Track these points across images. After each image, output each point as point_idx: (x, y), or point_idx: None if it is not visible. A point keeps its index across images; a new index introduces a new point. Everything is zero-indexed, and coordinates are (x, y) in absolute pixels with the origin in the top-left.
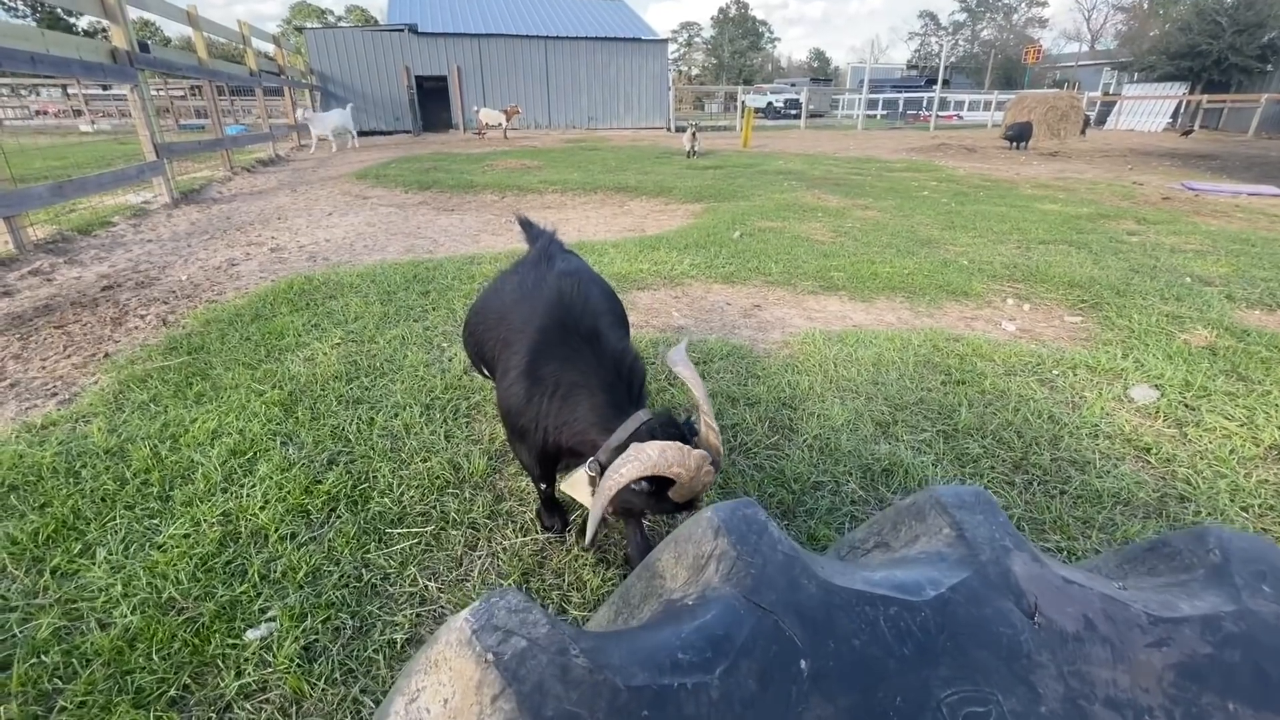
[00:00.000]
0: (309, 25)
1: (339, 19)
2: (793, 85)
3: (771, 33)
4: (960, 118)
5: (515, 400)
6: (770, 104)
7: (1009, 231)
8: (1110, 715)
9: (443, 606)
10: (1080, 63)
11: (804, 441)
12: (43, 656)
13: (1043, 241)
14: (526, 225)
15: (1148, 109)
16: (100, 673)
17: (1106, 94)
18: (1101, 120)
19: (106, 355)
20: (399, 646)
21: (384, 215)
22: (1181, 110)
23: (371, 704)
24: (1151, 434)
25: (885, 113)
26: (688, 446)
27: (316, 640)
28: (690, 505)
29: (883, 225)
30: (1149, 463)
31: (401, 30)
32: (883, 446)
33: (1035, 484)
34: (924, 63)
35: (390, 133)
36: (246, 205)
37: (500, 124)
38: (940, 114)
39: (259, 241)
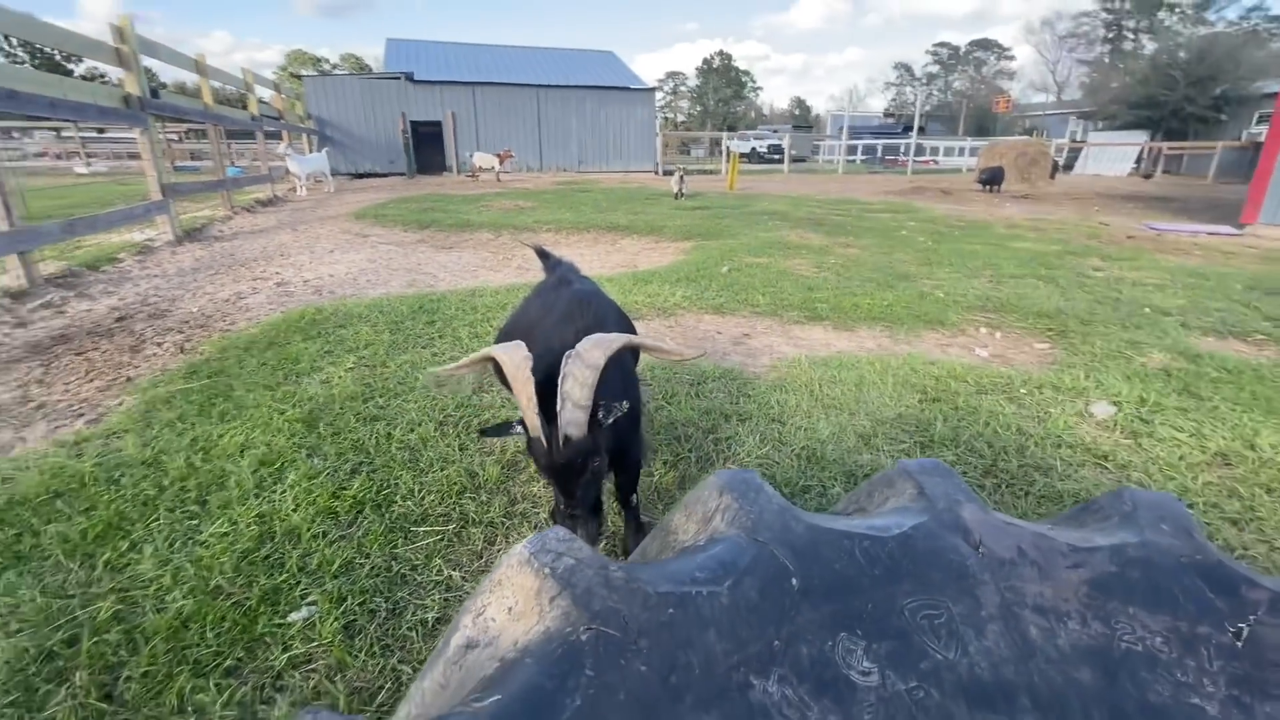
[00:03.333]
0: (306, 73)
1: (334, 67)
2: (775, 131)
3: (754, 82)
4: (936, 163)
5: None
6: (754, 149)
7: (983, 267)
8: (1037, 618)
9: (468, 592)
10: (1048, 112)
11: (792, 451)
12: (105, 635)
13: (1014, 276)
14: (543, 254)
15: (1112, 155)
16: (160, 647)
17: (1074, 141)
18: (1069, 165)
19: (128, 379)
20: (430, 625)
21: (384, 252)
22: (1144, 156)
23: (410, 671)
24: (1109, 444)
25: (865, 158)
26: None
27: (355, 620)
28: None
29: (863, 261)
30: (1106, 468)
31: (398, 78)
32: (865, 456)
33: (1004, 487)
34: (900, 111)
35: (385, 175)
36: (248, 243)
37: (494, 167)
38: (917, 159)
39: (264, 276)
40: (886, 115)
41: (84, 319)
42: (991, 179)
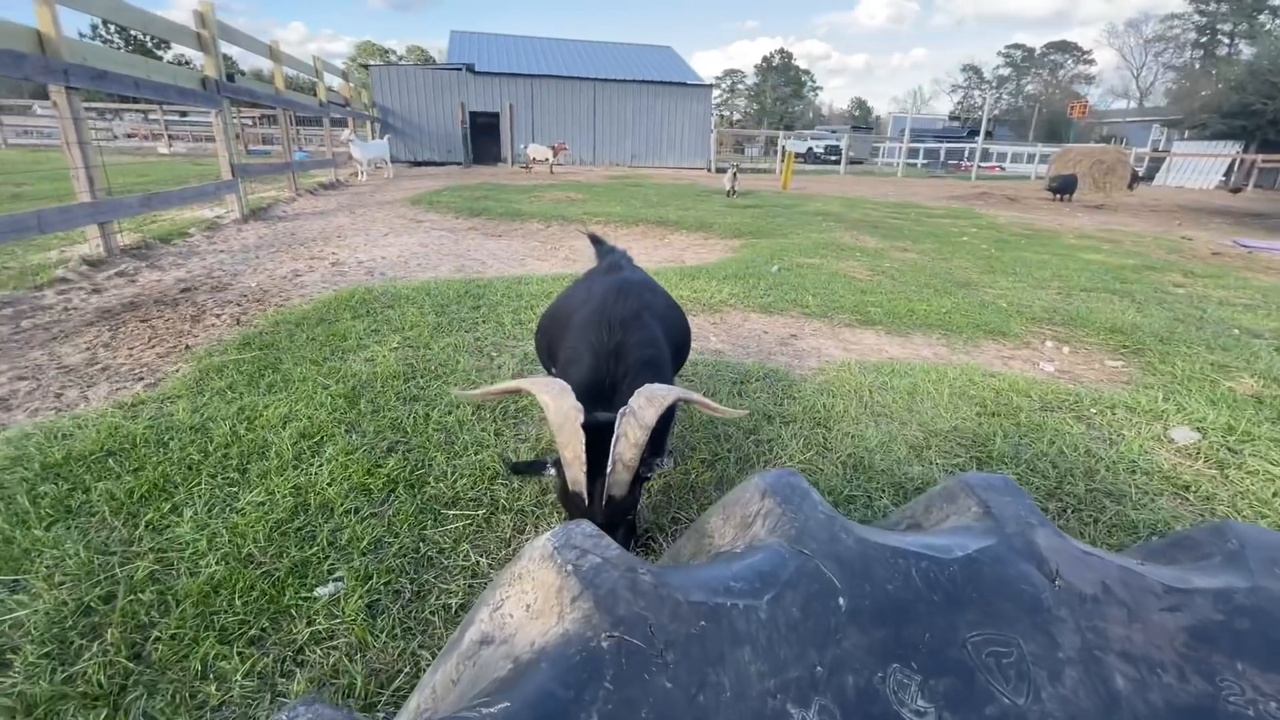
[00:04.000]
0: (373, 63)
1: (400, 58)
2: (833, 132)
3: (814, 81)
4: (1002, 169)
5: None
6: (810, 149)
7: (1050, 278)
8: (1124, 666)
9: (492, 580)
10: (1129, 119)
11: (837, 458)
12: (140, 594)
13: (1084, 289)
14: (597, 241)
15: (1198, 166)
16: (190, 611)
17: (1155, 150)
18: (1150, 176)
19: (187, 347)
20: (453, 610)
21: (436, 238)
22: (1235, 168)
23: (429, 657)
24: (1191, 473)
25: (926, 162)
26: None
27: (379, 600)
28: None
29: (921, 266)
30: (1187, 499)
31: (459, 69)
32: (915, 468)
33: (1069, 511)
34: (967, 114)
35: (443, 164)
36: (309, 224)
37: (547, 159)
38: (982, 164)
39: (321, 256)
40: (952, 118)
41: (153, 288)
42: (1063, 187)
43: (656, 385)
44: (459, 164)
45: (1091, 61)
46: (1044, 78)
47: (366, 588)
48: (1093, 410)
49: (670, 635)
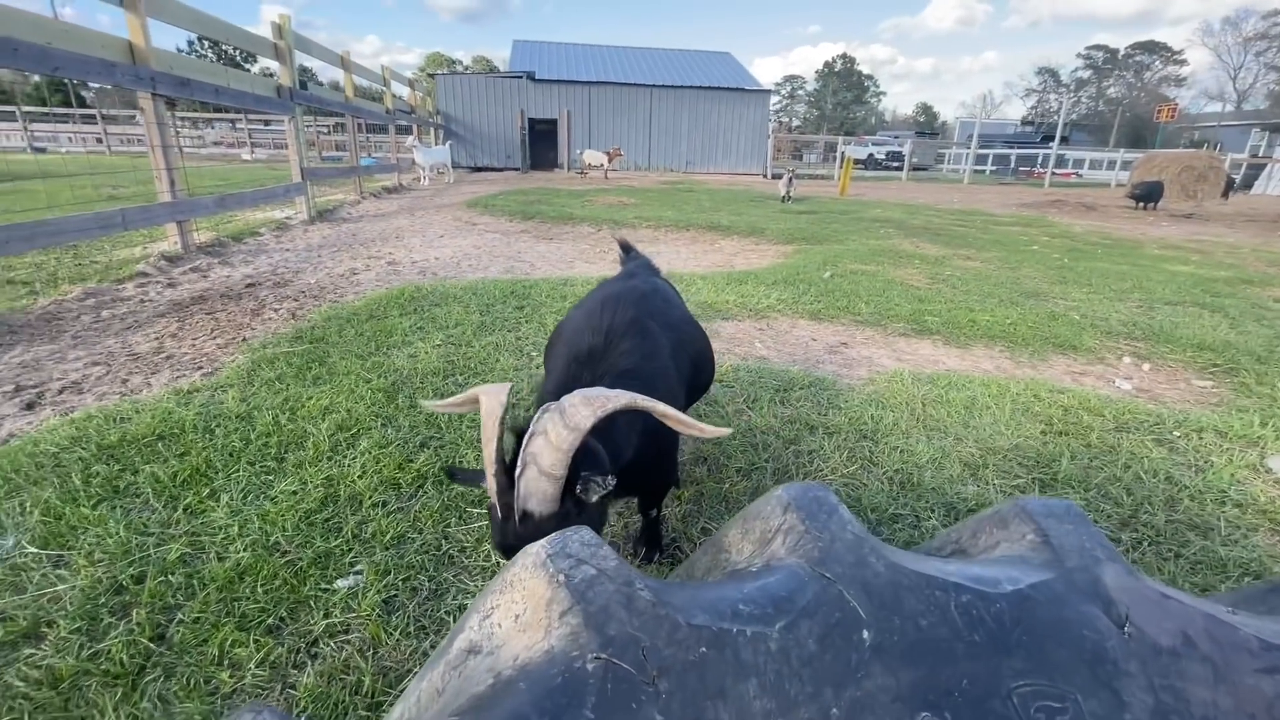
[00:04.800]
0: (439, 72)
1: (466, 68)
2: (896, 138)
3: (877, 86)
4: (1079, 175)
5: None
6: (872, 155)
7: (1130, 290)
8: None
9: None
10: (1224, 123)
11: (884, 474)
12: (169, 576)
13: (1169, 302)
14: (625, 248)
15: None
16: (214, 596)
17: (1255, 156)
18: (1248, 184)
19: (244, 339)
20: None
21: (489, 240)
22: None
23: None
24: None
25: (995, 168)
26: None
27: (396, 596)
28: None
29: (985, 275)
30: None
31: (520, 77)
32: (970, 488)
33: (1146, 543)
34: (1041, 119)
35: (501, 169)
36: (370, 225)
37: (602, 164)
38: (1057, 171)
39: (378, 256)
40: (1025, 123)
41: (221, 283)
42: (1147, 195)
43: (603, 389)
44: (517, 169)
45: (1182, 62)
46: (1128, 80)
47: (385, 583)
48: (1176, 433)
49: (665, 661)
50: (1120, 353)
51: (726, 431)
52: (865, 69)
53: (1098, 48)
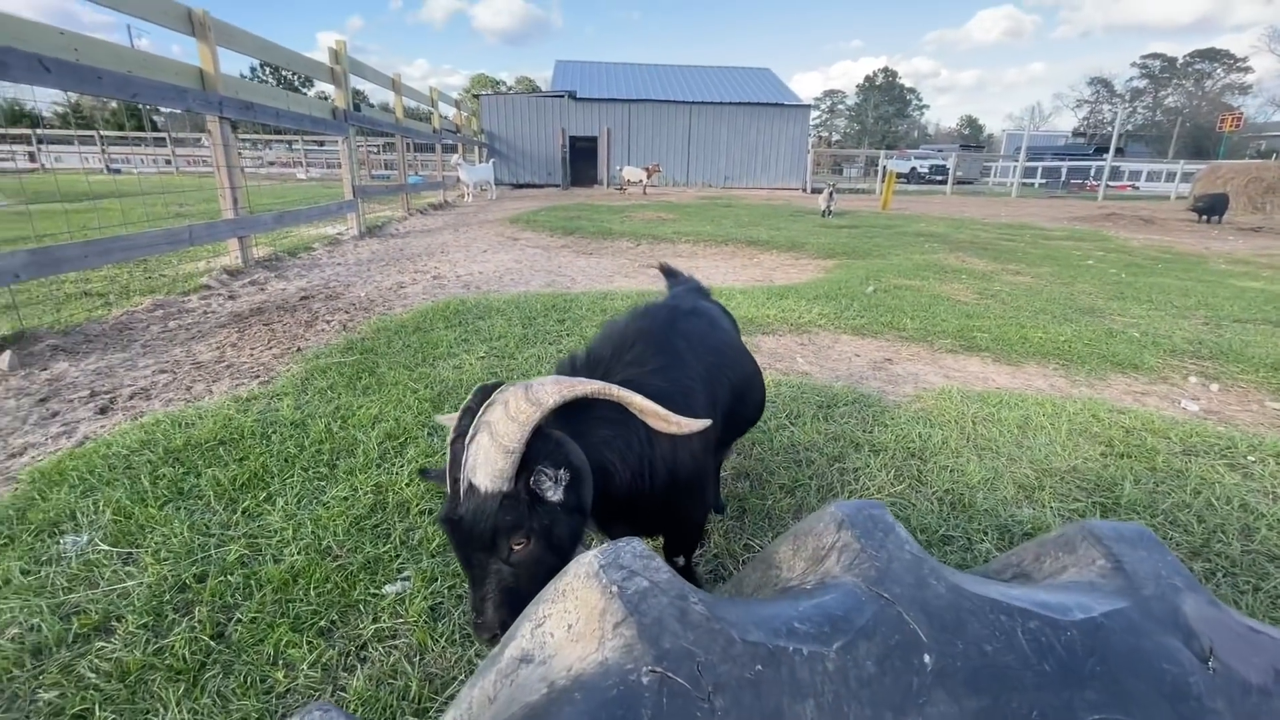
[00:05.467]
0: (484, 93)
1: (509, 88)
2: (940, 151)
3: (919, 100)
4: (1135, 188)
5: None
6: (914, 169)
7: (1194, 306)
8: None
9: None
10: None
11: (933, 494)
12: (229, 576)
13: (1238, 319)
14: (669, 273)
15: None
16: (270, 597)
17: None
18: None
19: (298, 350)
20: None
21: (530, 255)
22: None
23: None
24: None
25: (1044, 181)
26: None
27: (441, 603)
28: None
29: (1036, 291)
30: None
31: (562, 96)
32: (1025, 510)
33: (1220, 574)
34: (1093, 130)
35: (542, 186)
36: (417, 241)
37: (641, 180)
38: (1111, 183)
39: (424, 270)
40: (1076, 135)
41: (277, 296)
42: (1210, 207)
43: (576, 378)
44: (557, 186)
45: (1246, 69)
46: (1187, 89)
47: (430, 590)
48: (1251, 458)
49: (720, 677)
50: (1185, 372)
51: (705, 423)
52: (907, 82)
53: (1154, 56)
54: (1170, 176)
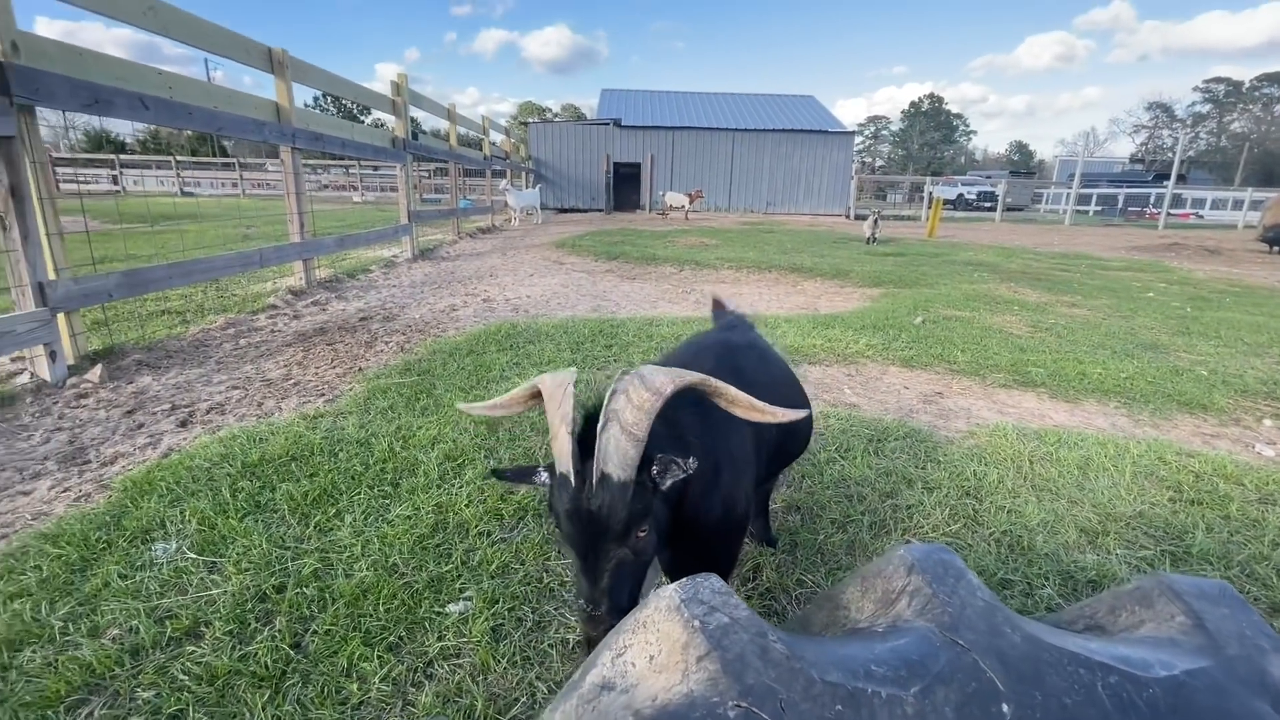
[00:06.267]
0: (531, 120)
1: (554, 115)
2: (988, 177)
3: (966, 125)
4: (1199, 216)
5: None
6: (962, 195)
7: (1267, 343)
8: None
9: None
10: None
11: (990, 535)
12: (304, 589)
13: None
14: (719, 305)
15: None
16: (342, 611)
17: None
18: None
19: (360, 369)
20: (570, 647)
21: (575, 279)
22: None
23: (545, 690)
24: None
25: (1100, 209)
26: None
27: (502, 625)
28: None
29: (1094, 324)
30: None
31: (607, 124)
32: (1089, 556)
33: None
34: (1152, 156)
35: (585, 210)
36: (466, 264)
37: (684, 205)
38: (1173, 211)
39: (474, 293)
40: (1133, 161)
41: (338, 316)
42: None
43: (672, 368)
44: (600, 210)
45: None
46: (1255, 114)
47: (492, 611)
48: None
49: (802, 715)
50: (1259, 414)
51: (801, 414)
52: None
53: (1218, 80)
54: (1237, 204)
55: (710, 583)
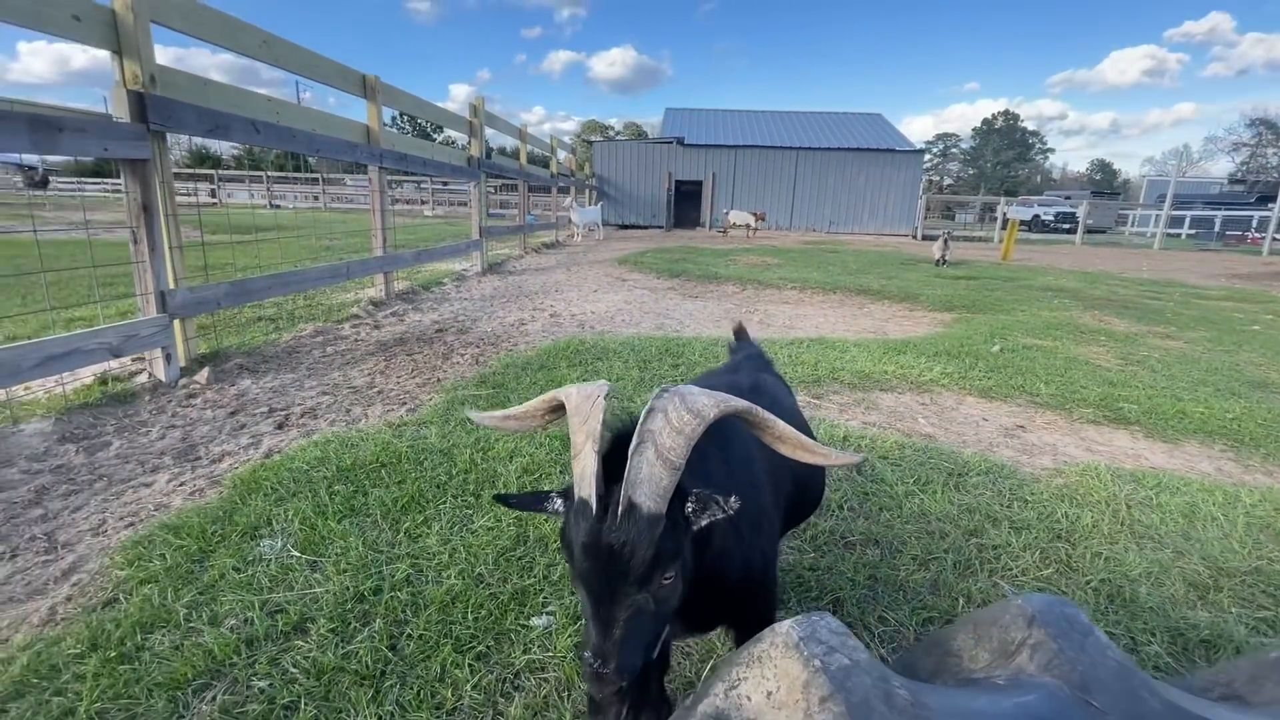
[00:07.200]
0: (595, 139)
1: (616, 133)
2: (1067, 198)
3: (1043, 143)
4: None
5: None
6: (1038, 216)
7: None
8: None
9: (684, 646)
10: None
11: (1086, 583)
12: (398, 593)
13: None
14: (738, 333)
15: None
16: (434, 617)
17: None
18: None
19: (438, 380)
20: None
21: (638, 296)
22: None
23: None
24: None
25: (1194, 232)
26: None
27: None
28: None
29: (1193, 359)
30: None
31: (670, 143)
32: (1201, 614)
33: None
34: (1255, 176)
35: (646, 227)
36: (533, 279)
37: (748, 224)
38: (1277, 236)
39: (541, 308)
40: (1234, 181)
41: (415, 327)
42: None
43: (716, 392)
44: (660, 227)
45: None
46: None
47: (576, 627)
48: None
49: None
50: None
51: (859, 458)
52: (1030, 125)
53: None
54: None
55: (827, 622)
